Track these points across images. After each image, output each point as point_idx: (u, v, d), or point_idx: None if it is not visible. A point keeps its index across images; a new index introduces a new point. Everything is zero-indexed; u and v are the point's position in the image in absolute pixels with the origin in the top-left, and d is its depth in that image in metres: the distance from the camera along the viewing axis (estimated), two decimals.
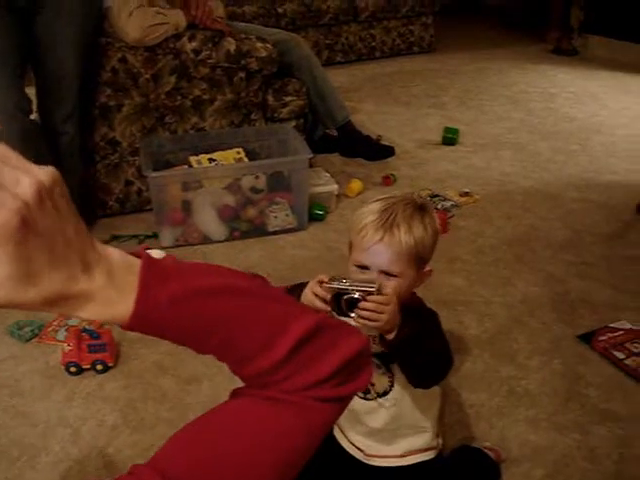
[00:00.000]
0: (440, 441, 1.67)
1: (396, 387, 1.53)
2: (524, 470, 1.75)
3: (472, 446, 1.77)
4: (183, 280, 0.73)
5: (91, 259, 0.68)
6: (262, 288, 0.81)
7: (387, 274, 1.42)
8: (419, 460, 1.56)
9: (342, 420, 1.63)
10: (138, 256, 0.72)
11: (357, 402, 1.57)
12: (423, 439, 1.61)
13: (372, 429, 1.58)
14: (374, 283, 1.33)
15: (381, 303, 1.33)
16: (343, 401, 0.82)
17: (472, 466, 1.68)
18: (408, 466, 1.56)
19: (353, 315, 1.33)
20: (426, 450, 1.58)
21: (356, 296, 1.33)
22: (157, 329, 0.73)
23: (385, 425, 1.56)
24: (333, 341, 0.79)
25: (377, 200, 1.45)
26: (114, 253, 0.72)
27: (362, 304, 1.33)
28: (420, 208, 1.44)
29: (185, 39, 2.89)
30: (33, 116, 2.65)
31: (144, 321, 0.71)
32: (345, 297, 1.34)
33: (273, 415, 0.78)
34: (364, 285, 1.33)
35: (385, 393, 1.54)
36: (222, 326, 0.74)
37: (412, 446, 1.60)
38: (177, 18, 2.86)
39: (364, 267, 1.43)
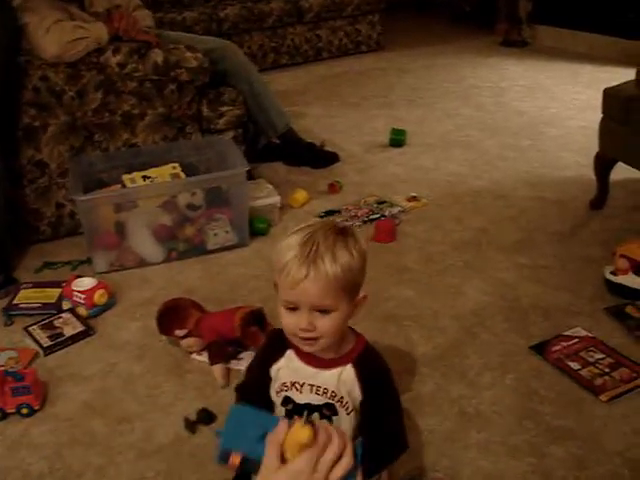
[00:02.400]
0: (384, 476, 1.54)
1: None
2: None
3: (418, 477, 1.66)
4: None
5: None
6: None
7: (320, 311, 1.29)
8: None
9: None
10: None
11: None
12: None
13: None
14: None
15: None
16: None
17: None
18: None
19: None
20: None
21: None
22: None
23: None
24: None
25: (295, 232, 1.32)
26: None
27: None
28: (342, 233, 1.32)
29: (109, 53, 2.74)
30: None
31: None
32: None
33: None
34: None
35: None
36: None
37: None
38: (98, 31, 2.71)
39: (294, 307, 1.30)
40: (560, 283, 2.50)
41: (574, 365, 2.05)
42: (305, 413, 1.38)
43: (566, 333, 2.19)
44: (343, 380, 1.38)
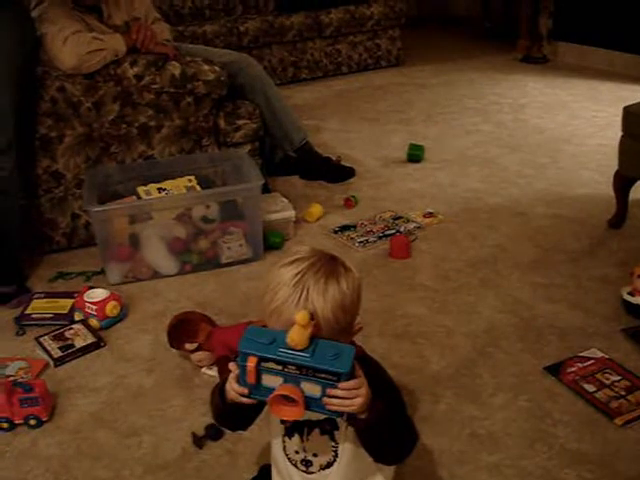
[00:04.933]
0: None
1: (341, 458, 1.37)
2: None
3: None
4: None
5: None
6: None
7: None
8: None
9: None
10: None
11: (297, 475, 1.42)
12: None
13: None
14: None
15: (353, 388, 1.20)
16: None
17: None
18: None
19: None
20: None
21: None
22: None
23: None
24: None
25: (286, 266, 1.28)
26: None
27: (331, 392, 1.19)
28: (333, 270, 1.28)
29: (126, 65, 2.75)
30: None
31: None
32: None
33: None
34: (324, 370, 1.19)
35: (329, 465, 1.38)
36: None
37: None
38: (116, 43, 2.72)
39: None
40: (576, 303, 2.46)
41: (589, 387, 2.01)
42: None
43: (581, 354, 2.16)
44: None
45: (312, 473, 1.40)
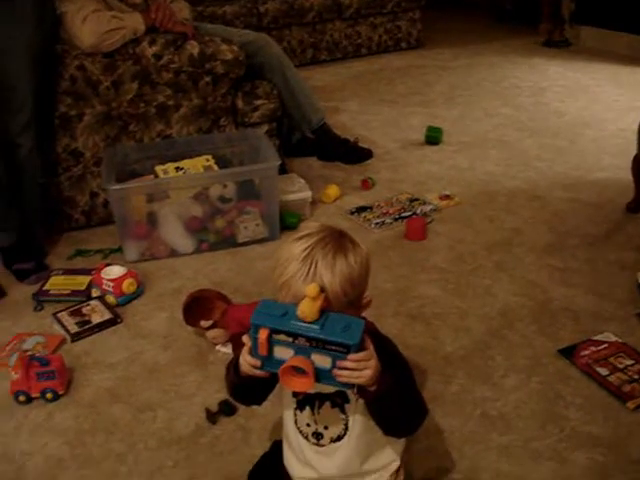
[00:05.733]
0: (401, 475, 1.53)
1: (351, 431, 1.39)
2: None
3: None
4: None
5: None
6: None
7: None
8: None
9: (292, 463, 1.50)
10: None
11: (308, 447, 1.44)
12: None
13: (324, 476, 1.45)
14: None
15: (362, 360, 1.21)
16: None
17: None
18: None
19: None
20: None
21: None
22: None
23: (339, 472, 1.43)
24: None
25: (296, 241, 1.30)
26: None
27: (341, 363, 1.21)
28: (341, 244, 1.29)
29: (145, 44, 2.75)
30: None
31: None
32: None
33: None
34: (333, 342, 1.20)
35: (339, 438, 1.40)
36: None
37: None
38: (135, 22, 2.73)
39: None
40: (592, 287, 2.45)
41: (602, 370, 2.01)
42: None
43: (595, 338, 2.16)
44: None
45: (323, 446, 1.42)
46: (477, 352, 2.14)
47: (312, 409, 1.40)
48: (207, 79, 2.88)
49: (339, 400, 1.37)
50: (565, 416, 1.87)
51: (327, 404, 1.38)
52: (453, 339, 2.20)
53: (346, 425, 1.39)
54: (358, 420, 1.37)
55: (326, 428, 1.40)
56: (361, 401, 1.33)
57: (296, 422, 1.44)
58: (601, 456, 1.74)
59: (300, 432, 1.44)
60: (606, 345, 2.12)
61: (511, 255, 2.67)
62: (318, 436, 1.42)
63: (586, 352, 2.09)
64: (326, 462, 1.43)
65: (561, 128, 3.93)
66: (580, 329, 2.22)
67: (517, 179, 3.31)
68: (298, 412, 1.43)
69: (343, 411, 1.38)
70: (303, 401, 1.41)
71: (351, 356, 1.20)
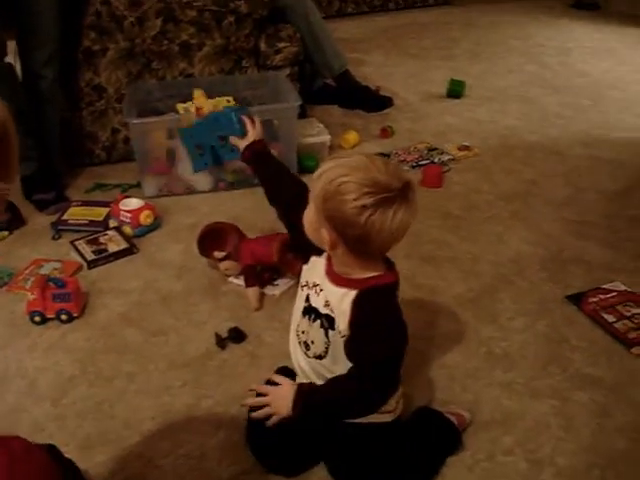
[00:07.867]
0: (400, 405, 1.55)
1: (329, 355, 1.43)
2: (493, 436, 1.65)
3: (432, 410, 1.67)
4: None
5: None
6: None
7: None
8: (372, 421, 1.45)
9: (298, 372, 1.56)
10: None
11: (302, 357, 1.50)
12: None
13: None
14: None
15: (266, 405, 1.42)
16: None
17: (429, 432, 1.58)
18: (360, 428, 1.46)
19: None
20: (380, 412, 1.47)
21: None
22: None
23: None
24: None
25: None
26: None
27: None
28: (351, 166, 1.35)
29: None
30: (11, 59, 2.55)
31: None
32: None
33: None
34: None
35: (320, 357, 1.45)
36: None
37: None
38: None
39: None
40: (605, 240, 2.46)
41: (609, 317, 2.03)
42: None
43: (605, 286, 2.17)
44: (346, 302, 1.36)
45: (309, 357, 1.48)
46: (486, 295, 2.16)
47: (309, 320, 1.45)
48: (231, 19, 2.88)
49: (326, 324, 1.40)
50: (569, 358, 1.90)
51: (318, 322, 1.42)
52: (463, 282, 2.22)
53: (326, 349, 1.43)
54: (336, 349, 1.40)
55: (312, 343, 1.46)
56: (340, 337, 1.37)
57: (298, 326, 1.51)
58: (602, 397, 1.77)
59: (298, 337, 1.51)
60: (615, 294, 2.13)
61: (527, 206, 2.68)
62: (307, 347, 1.48)
63: (594, 299, 2.10)
64: (318, 376, 1.48)
65: (584, 88, 3.90)
66: (590, 278, 2.23)
67: (537, 134, 3.30)
68: (301, 317, 1.49)
69: (327, 335, 1.41)
70: (307, 310, 1.46)
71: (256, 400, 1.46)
